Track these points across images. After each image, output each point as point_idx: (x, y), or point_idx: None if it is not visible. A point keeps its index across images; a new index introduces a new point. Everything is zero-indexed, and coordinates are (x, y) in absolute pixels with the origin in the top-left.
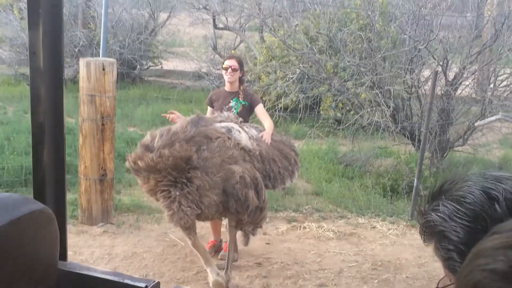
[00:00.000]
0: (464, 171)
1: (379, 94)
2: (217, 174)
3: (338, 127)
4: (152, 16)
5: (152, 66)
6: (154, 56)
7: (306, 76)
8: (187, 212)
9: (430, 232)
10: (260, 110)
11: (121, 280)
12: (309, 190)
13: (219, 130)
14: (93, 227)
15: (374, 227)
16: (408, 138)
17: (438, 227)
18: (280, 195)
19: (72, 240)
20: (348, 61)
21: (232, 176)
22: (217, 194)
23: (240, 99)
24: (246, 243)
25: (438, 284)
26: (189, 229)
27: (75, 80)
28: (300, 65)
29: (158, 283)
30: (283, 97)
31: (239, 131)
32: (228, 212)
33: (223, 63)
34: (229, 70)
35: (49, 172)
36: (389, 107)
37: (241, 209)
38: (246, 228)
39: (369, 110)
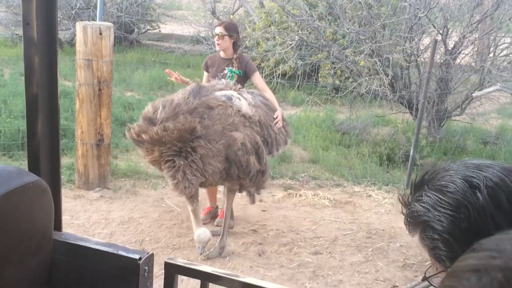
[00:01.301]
0: (461, 140)
1: (378, 62)
2: (219, 142)
3: (336, 95)
4: None
5: (149, 29)
6: (152, 20)
7: (305, 43)
8: (192, 180)
9: (415, 222)
10: (257, 80)
11: (115, 251)
12: (306, 157)
13: (220, 99)
14: (90, 192)
15: (369, 196)
16: (406, 107)
17: (422, 217)
18: (276, 163)
19: (69, 204)
20: (348, 28)
21: (234, 142)
22: (220, 161)
23: (234, 68)
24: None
25: (425, 273)
26: (193, 197)
27: (72, 43)
28: (299, 31)
29: (152, 254)
30: (281, 63)
31: (239, 99)
32: (231, 178)
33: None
34: (216, 37)
35: (43, 144)
36: (387, 76)
37: (243, 174)
38: (250, 189)
39: (367, 78)
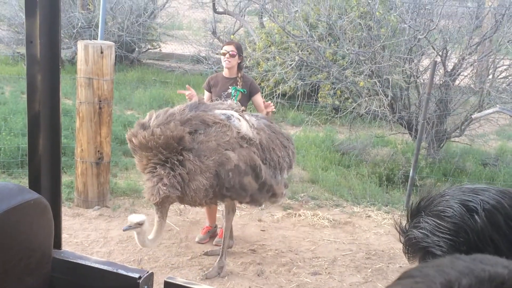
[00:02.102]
0: (461, 161)
1: (378, 83)
2: (210, 158)
3: (336, 115)
4: None
5: (150, 49)
6: (152, 39)
7: (305, 63)
8: (160, 189)
9: (414, 249)
10: (258, 100)
11: (114, 270)
12: (305, 177)
13: (218, 117)
14: (89, 210)
15: (369, 216)
16: (405, 127)
17: (421, 243)
18: None
19: (67, 222)
20: (347, 49)
21: (227, 161)
22: (207, 178)
23: (238, 86)
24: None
25: None
26: (159, 207)
27: (73, 61)
28: (299, 52)
29: (152, 273)
30: (281, 83)
31: (239, 119)
32: (223, 197)
33: (222, 48)
34: (227, 55)
35: (44, 162)
36: (387, 96)
37: (237, 196)
38: (260, 202)
39: (367, 98)
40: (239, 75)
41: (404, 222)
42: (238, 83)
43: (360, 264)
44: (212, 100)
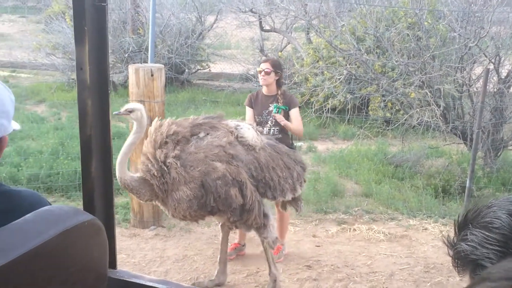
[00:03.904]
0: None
1: (429, 93)
2: (196, 168)
3: (387, 128)
4: (200, 20)
5: (200, 69)
6: (202, 60)
7: (354, 77)
8: (143, 191)
9: (463, 262)
10: (294, 113)
11: None
12: (358, 191)
13: (228, 124)
14: (145, 230)
15: (425, 229)
16: (459, 137)
17: (470, 256)
18: (329, 197)
19: (125, 243)
20: (396, 61)
21: (214, 171)
22: (192, 188)
23: (280, 104)
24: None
25: None
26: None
27: (125, 85)
28: (347, 65)
29: None
30: (330, 98)
31: (249, 129)
32: (205, 210)
33: (259, 66)
34: (262, 73)
35: (97, 184)
36: (439, 107)
37: (223, 206)
38: (240, 228)
39: (418, 109)
40: (279, 92)
41: (452, 235)
42: (279, 100)
43: (418, 278)
44: (255, 118)
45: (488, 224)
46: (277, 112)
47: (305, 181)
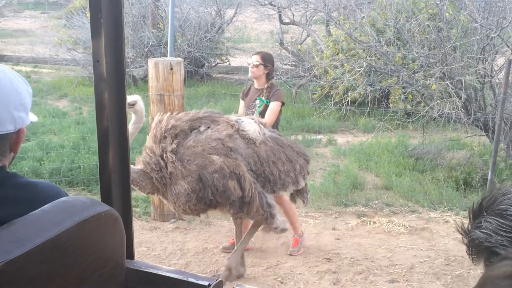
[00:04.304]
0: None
1: (450, 85)
2: (193, 162)
3: (408, 120)
4: (219, 13)
5: (219, 63)
6: (221, 53)
7: (374, 69)
8: (144, 183)
9: (478, 250)
10: (271, 106)
11: (185, 278)
12: (378, 184)
13: (229, 118)
14: (165, 223)
15: (446, 222)
16: (481, 129)
17: (484, 244)
18: (349, 190)
19: (145, 236)
20: (417, 52)
21: (211, 164)
22: (189, 182)
23: (263, 97)
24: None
25: None
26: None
27: (145, 79)
28: (367, 57)
29: (221, 281)
30: (350, 90)
31: (250, 123)
32: (208, 204)
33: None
34: (251, 65)
35: (114, 175)
36: (460, 98)
37: (222, 199)
38: (246, 219)
39: (439, 101)
40: (266, 85)
41: (466, 224)
42: (263, 93)
43: (439, 270)
44: (245, 110)
45: (503, 211)
46: (259, 105)
47: (308, 173)
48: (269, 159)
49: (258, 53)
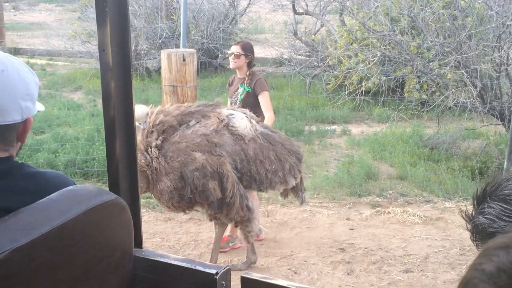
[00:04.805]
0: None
1: (465, 74)
2: (176, 159)
3: (423, 109)
4: (232, 4)
5: None
6: None
7: (388, 58)
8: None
9: (481, 236)
10: (262, 99)
11: (192, 267)
12: (393, 174)
13: (221, 112)
14: (179, 214)
15: (462, 211)
16: (497, 118)
17: (488, 230)
18: (363, 180)
19: (160, 227)
20: (431, 41)
21: (192, 162)
22: (171, 179)
23: (245, 84)
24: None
25: None
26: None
27: (159, 71)
28: (382, 47)
29: (229, 269)
30: (364, 80)
31: (242, 118)
32: (184, 201)
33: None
34: (232, 56)
35: (122, 164)
36: (476, 87)
37: (200, 199)
38: (221, 221)
39: (454, 90)
40: (247, 73)
41: (470, 210)
42: (245, 81)
43: (454, 260)
44: (229, 100)
45: (507, 196)
46: (242, 94)
47: (300, 172)
48: (257, 158)
49: (237, 43)
